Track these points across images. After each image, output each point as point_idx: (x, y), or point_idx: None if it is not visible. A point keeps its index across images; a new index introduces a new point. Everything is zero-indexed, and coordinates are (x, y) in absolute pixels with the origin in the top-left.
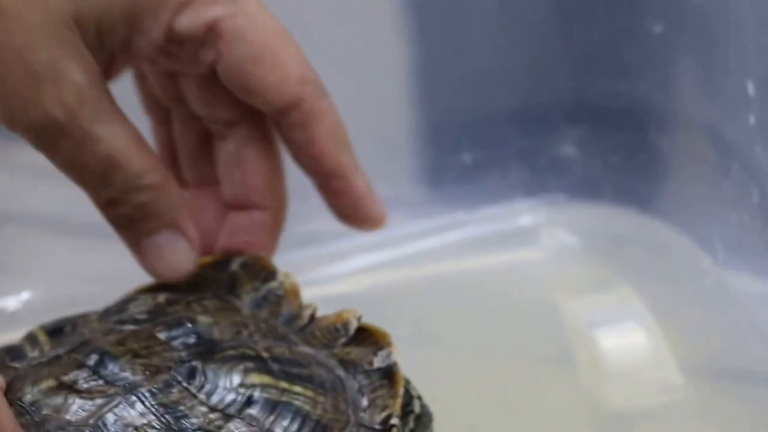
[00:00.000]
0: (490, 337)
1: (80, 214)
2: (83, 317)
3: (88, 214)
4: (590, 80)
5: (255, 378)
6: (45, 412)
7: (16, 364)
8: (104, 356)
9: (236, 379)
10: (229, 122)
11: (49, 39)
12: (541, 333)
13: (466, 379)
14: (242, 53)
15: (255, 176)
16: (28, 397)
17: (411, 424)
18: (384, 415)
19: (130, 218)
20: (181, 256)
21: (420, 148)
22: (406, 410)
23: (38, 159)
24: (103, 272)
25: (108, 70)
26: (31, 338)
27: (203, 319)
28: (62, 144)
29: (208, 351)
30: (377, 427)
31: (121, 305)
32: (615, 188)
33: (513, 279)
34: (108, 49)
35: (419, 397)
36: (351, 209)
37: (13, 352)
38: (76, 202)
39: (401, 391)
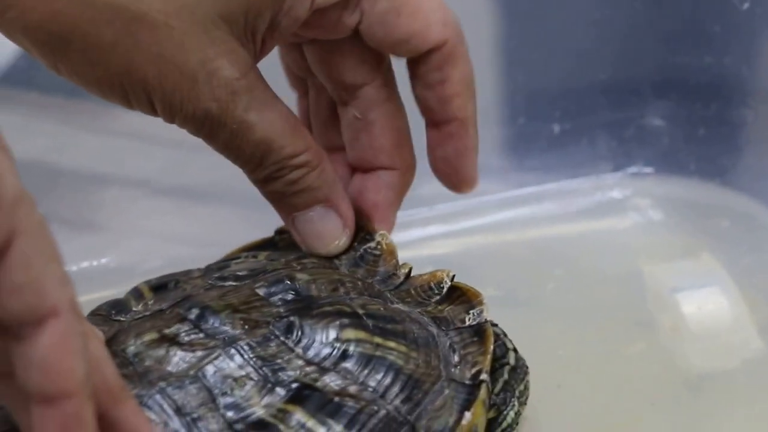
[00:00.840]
0: (576, 301)
1: (177, 178)
2: (186, 274)
3: (185, 179)
4: (678, 54)
5: (350, 333)
6: (148, 363)
7: (121, 318)
8: (205, 310)
9: (332, 334)
10: (354, 86)
11: (199, 42)
12: (625, 298)
13: (552, 340)
14: (384, 6)
15: (382, 138)
16: (131, 349)
17: (505, 376)
18: (474, 370)
19: (283, 194)
20: (333, 231)
21: (510, 117)
22: (501, 362)
23: (137, 125)
24: (199, 235)
25: (258, 55)
26: (135, 293)
27: (302, 277)
28: (218, 133)
29: (305, 307)
30: (467, 382)
31: (223, 263)
32: (699, 160)
33: (599, 247)
34: (258, 36)
35: (515, 350)
36: (454, 159)
37: (118, 306)
38: (173, 167)
39: (491, 348)
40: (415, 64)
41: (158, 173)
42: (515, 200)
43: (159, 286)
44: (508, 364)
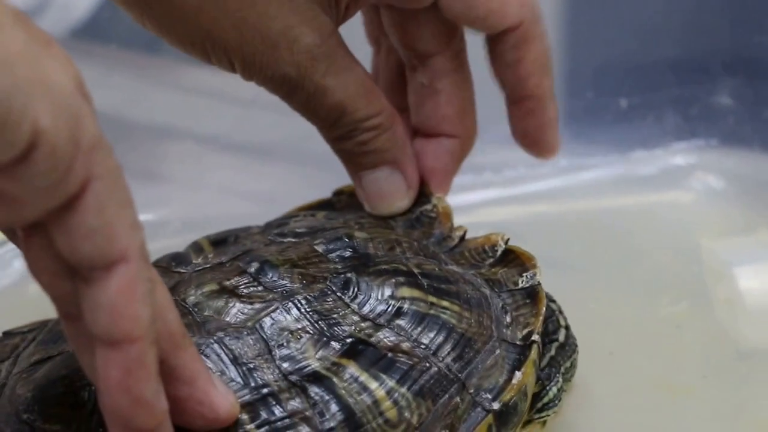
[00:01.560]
0: (633, 270)
1: (244, 136)
2: (246, 230)
3: (251, 136)
4: (748, 33)
5: (405, 291)
6: (207, 313)
7: (181, 270)
8: (264, 264)
9: (387, 292)
10: (425, 54)
11: (281, 9)
12: (681, 270)
13: (605, 308)
14: None
15: (448, 106)
16: (191, 299)
17: (552, 352)
18: (526, 331)
19: (353, 153)
20: (397, 192)
21: (578, 91)
22: (550, 338)
23: (210, 82)
24: (260, 192)
25: (340, 20)
26: (196, 246)
27: (360, 235)
28: (296, 95)
29: (362, 264)
30: (518, 342)
31: (282, 221)
32: (764, 138)
33: (659, 219)
34: (341, 2)
35: (567, 327)
36: (534, 133)
37: (179, 258)
38: (241, 124)
39: (543, 309)
40: (492, 42)
41: (227, 129)
42: (577, 170)
43: (218, 241)
44: (557, 340)
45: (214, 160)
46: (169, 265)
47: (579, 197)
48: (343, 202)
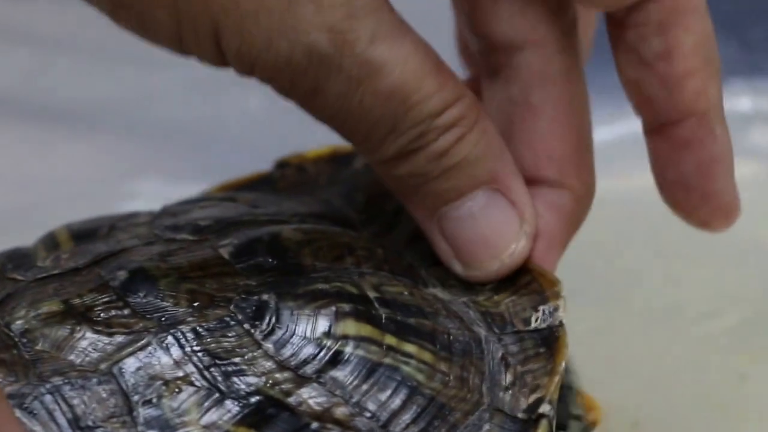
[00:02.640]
0: (682, 285)
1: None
2: (129, 218)
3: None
4: None
5: (350, 327)
6: (40, 346)
7: (18, 276)
8: (137, 274)
9: (322, 326)
10: (509, 46)
11: None
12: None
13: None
14: None
15: (551, 137)
16: (18, 324)
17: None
18: (533, 398)
19: (427, 176)
20: (505, 229)
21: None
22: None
23: None
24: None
25: None
26: (48, 240)
27: (290, 235)
28: (328, 84)
29: (288, 282)
30: (521, 415)
31: (185, 205)
32: None
33: None
34: None
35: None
36: (696, 180)
37: (18, 257)
38: None
39: (562, 366)
40: (620, 25)
41: None
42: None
43: (84, 233)
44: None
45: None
46: (3, 268)
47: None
48: (288, 179)
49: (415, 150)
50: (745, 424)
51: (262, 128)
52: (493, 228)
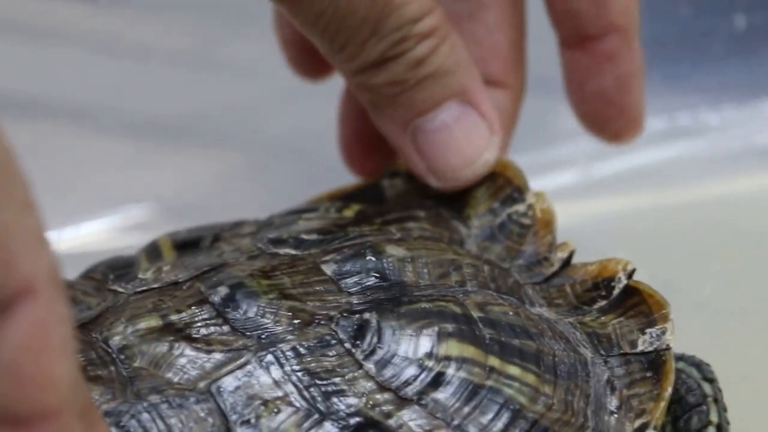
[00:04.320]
0: (740, 286)
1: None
2: (235, 227)
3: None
4: None
5: (453, 347)
6: (138, 363)
7: (119, 288)
8: (237, 290)
9: (424, 347)
10: None
11: None
12: None
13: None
14: None
15: (499, 35)
16: (116, 339)
17: None
18: (639, 423)
19: (402, 86)
20: (476, 139)
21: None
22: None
23: None
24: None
25: None
26: (151, 250)
27: (394, 251)
28: None
29: (391, 299)
30: None
31: (291, 216)
32: None
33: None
34: None
35: (720, 427)
36: (614, 93)
37: (120, 267)
38: None
39: (669, 391)
40: None
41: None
42: (663, 138)
43: (187, 243)
44: (711, 423)
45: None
46: (104, 278)
47: (668, 183)
48: (397, 188)
49: (394, 57)
50: None
51: None
52: (466, 138)
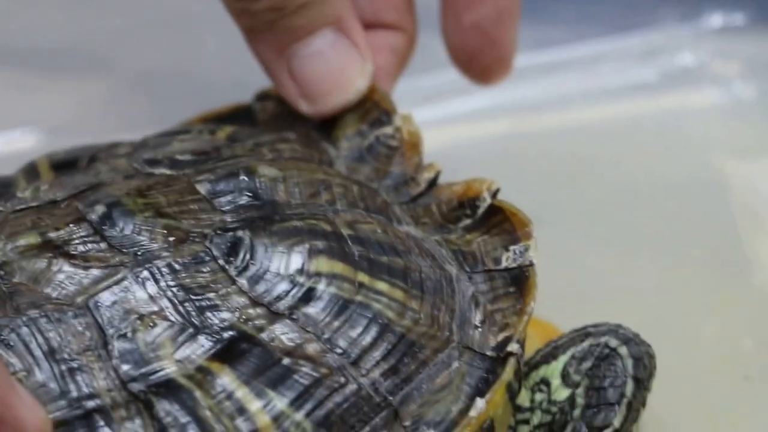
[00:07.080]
0: (629, 220)
1: None
2: (111, 148)
3: None
4: None
5: (323, 264)
6: (17, 279)
7: None
8: (114, 208)
9: (296, 263)
10: None
11: None
12: (702, 219)
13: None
14: None
15: None
16: None
17: (587, 363)
18: (502, 337)
19: (280, 12)
20: (349, 66)
21: None
22: (596, 345)
23: None
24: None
25: None
26: (29, 170)
27: (266, 171)
28: None
29: (263, 217)
30: (489, 353)
31: (165, 137)
32: None
33: (663, 139)
34: None
35: (636, 378)
36: (489, 27)
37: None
38: None
39: (532, 304)
40: None
41: None
42: (536, 70)
43: (64, 163)
44: (608, 348)
45: None
46: None
47: (540, 111)
48: (269, 111)
49: None
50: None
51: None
52: (340, 64)
